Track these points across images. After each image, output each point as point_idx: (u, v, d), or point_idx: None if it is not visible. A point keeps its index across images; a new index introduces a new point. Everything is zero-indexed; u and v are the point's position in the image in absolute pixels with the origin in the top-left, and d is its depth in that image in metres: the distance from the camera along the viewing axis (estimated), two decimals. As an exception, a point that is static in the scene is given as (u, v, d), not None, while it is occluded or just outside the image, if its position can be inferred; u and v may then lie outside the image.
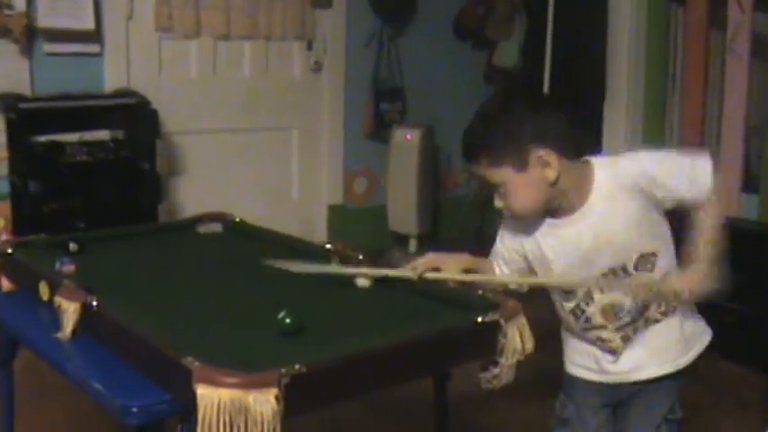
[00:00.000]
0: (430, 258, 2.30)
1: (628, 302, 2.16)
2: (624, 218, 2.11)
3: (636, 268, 2.14)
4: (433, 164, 6.19)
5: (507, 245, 2.28)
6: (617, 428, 2.35)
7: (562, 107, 2.15)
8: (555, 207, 2.14)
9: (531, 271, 2.26)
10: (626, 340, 2.21)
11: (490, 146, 2.08)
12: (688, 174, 2.09)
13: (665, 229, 2.18)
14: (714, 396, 3.78)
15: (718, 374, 3.96)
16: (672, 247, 2.19)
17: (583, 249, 2.14)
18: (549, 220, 2.18)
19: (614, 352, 2.22)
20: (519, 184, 2.08)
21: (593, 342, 2.24)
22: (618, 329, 2.20)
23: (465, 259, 2.34)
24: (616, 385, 2.27)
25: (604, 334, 2.21)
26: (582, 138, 2.14)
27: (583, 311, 2.20)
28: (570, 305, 2.23)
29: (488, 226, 6.39)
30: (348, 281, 2.36)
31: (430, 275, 2.26)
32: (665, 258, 2.16)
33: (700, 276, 2.07)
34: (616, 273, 2.14)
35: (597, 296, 2.17)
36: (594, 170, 2.12)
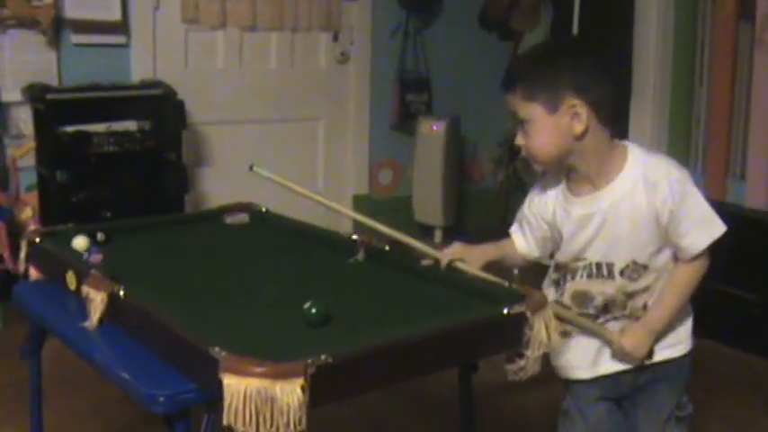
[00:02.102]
0: (456, 249, 2.31)
1: (599, 299, 2.19)
2: (635, 218, 2.11)
3: (621, 273, 2.16)
4: (459, 155, 6.18)
5: (534, 208, 2.30)
6: (626, 426, 2.35)
7: (613, 73, 2.16)
8: (570, 167, 2.15)
9: (552, 239, 2.28)
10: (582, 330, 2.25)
11: (529, 78, 2.08)
12: (698, 220, 2.11)
13: (666, 251, 2.18)
14: (725, 383, 3.78)
15: (728, 362, 3.98)
16: (665, 274, 2.20)
17: (585, 234, 2.16)
18: (566, 193, 2.20)
19: (568, 335, 2.24)
20: (544, 126, 2.08)
21: None
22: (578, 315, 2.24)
23: (489, 251, 2.35)
24: (613, 378, 2.27)
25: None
26: (622, 108, 2.13)
27: (564, 282, 2.24)
28: (555, 276, 2.28)
29: (513, 217, 6.38)
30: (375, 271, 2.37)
31: (457, 264, 2.27)
32: (655, 277, 2.18)
33: (638, 341, 2.18)
34: (600, 268, 2.16)
35: (578, 278, 2.20)
36: (627, 157, 2.13)
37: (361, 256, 2.52)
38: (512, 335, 2.04)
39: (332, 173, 5.97)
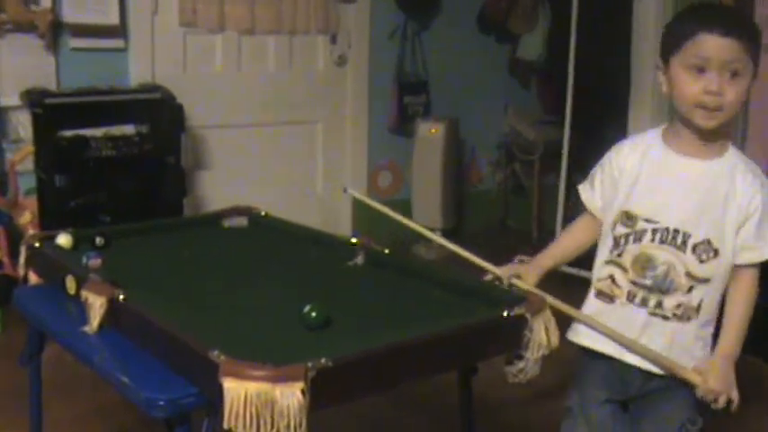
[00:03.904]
0: (513, 266, 2.30)
1: (662, 269, 2.13)
2: (728, 198, 2.12)
3: (694, 249, 2.11)
4: (458, 157, 6.17)
5: (621, 157, 2.26)
6: None
7: None
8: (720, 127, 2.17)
9: (617, 192, 2.24)
10: (631, 299, 2.17)
11: (755, 37, 2.15)
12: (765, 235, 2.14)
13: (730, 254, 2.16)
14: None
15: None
16: (726, 276, 2.18)
17: (672, 191, 2.15)
18: (666, 146, 2.20)
19: (613, 299, 2.19)
20: (746, 86, 2.13)
21: (602, 280, 2.22)
22: (632, 282, 2.17)
23: (542, 261, 2.34)
24: (623, 376, 2.23)
25: (618, 275, 2.19)
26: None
27: (626, 242, 2.18)
28: (624, 230, 2.19)
29: (512, 219, 6.39)
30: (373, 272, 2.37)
31: (517, 282, 2.25)
32: (719, 272, 2.15)
33: (723, 376, 2.12)
34: (676, 236, 2.12)
35: (647, 241, 2.15)
36: (729, 144, 2.20)
37: (360, 259, 2.52)
38: (511, 337, 2.04)
39: (331, 176, 5.96)
